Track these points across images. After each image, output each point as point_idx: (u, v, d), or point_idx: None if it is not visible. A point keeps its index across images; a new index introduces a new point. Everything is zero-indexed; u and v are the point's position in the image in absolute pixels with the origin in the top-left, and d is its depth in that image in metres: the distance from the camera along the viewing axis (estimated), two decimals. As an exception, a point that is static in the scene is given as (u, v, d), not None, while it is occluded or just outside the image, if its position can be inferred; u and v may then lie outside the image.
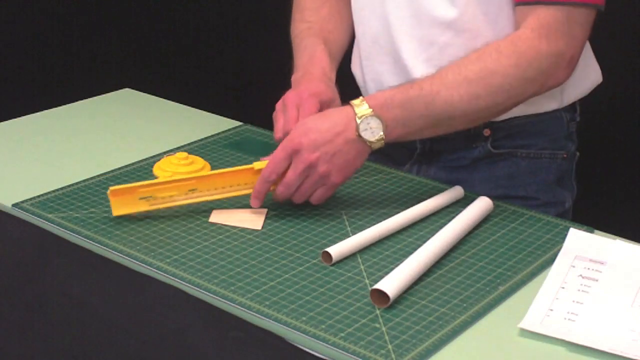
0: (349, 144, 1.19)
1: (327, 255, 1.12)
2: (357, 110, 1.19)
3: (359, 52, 1.46)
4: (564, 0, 1.21)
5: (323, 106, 1.31)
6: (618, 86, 1.34)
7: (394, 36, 1.37)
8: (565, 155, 1.42)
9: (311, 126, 1.20)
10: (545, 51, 1.22)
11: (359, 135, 1.19)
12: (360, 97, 1.21)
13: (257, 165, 1.22)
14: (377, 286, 1.04)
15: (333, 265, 1.13)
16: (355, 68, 1.50)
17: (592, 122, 1.46)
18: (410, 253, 1.11)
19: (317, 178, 1.20)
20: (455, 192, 1.28)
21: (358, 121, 1.19)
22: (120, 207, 1.21)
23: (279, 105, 1.33)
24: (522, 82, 1.23)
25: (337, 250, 1.13)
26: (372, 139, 1.19)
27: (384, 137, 1.20)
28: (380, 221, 1.22)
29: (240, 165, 1.40)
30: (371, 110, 1.19)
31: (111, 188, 1.20)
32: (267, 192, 1.22)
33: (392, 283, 1.04)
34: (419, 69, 1.35)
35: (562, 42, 1.23)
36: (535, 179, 1.40)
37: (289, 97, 1.31)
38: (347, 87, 1.48)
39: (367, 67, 1.43)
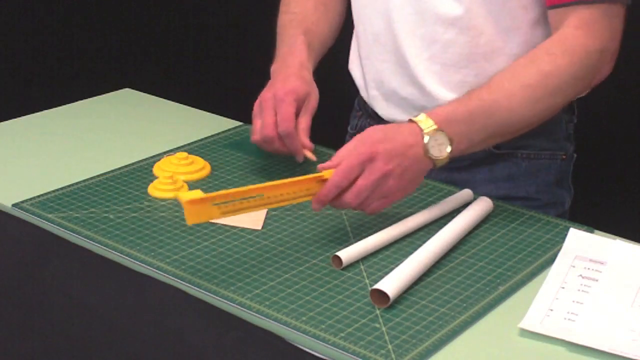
0: (417, 160, 1.16)
1: (337, 260, 1.12)
2: (422, 126, 1.17)
3: (358, 51, 1.46)
4: None
5: (299, 103, 1.32)
6: (617, 85, 1.34)
7: (396, 34, 1.36)
8: (564, 157, 1.42)
9: (385, 135, 1.16)
10: (592, 48, 1.23)
11: (426, 152, 1.16)
12: (422, 114, 1.18)
13: (327, 174, 1.16)
14: (377, 286, 1.04)
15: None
16: (353, 67, 1.49)
17: (592, 123, 1.46)
18: (410, 253, 1.11)
19: (385, 190, 1.15)
20: (464, 196, 1.27)
21: (426, 138, 1.16)
22: (194, 217, 1.11)
23: (256, 107, 1.32)
24: (576, 80, 1.23)
25: (347, 254, 1.12)
26: (439, 156, 1.17)
27: (449, 153, 1.17)
28: (382, 221, 1.22)
29: (242, 165, 1.40)
30: (436, 126, 1.16)
31: (186, 199, 1.08)
32: (333, 198, 1.16)
33: (392, 283, 1.04)
34: (422, 67, 1.35)
35: (606, 38, 1.24)
36: (536, 180, 1.40)
37: (266, 98, 1.31)
38: (344, 87, 1.48)
39: (367, 66, 1.43)
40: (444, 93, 1.34)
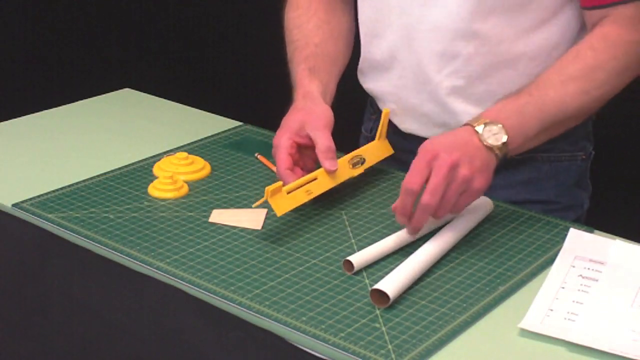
0: (479, 149, 1.15)
1: (349, 264, 1.11)
2: (474, 122, 1.17)
3: (371, 65, 1.42)
4: None
5: (298, 136, 1.29)
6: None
7: (415, 51, 1.34)
8: (583, 156, 1.42)
9: (440, 137, 1.16)
10: (635, 40, 1.25)
11: (484, 144, 1.15)
12: (473, 117, 1.19)
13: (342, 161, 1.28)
14: (377, 286, 1.04)
15: (333, 265, 1.13)
16: (366, 81, 1.46)
17: (594, 122, 1.46)
18: (410, 253, 1.11)
19: (460, 182, 1.12)
20: (486, 207, 1.26)
21: (479, 130, 1.16)
22: (280, 208, 1.19)
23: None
24: (621, 72, 1.25)
25: (358, 259, 1.11)
26: (497, 144, 1.16)
27: (507, 141, 1.17)
28: (383, 221, 1.22)
29: (242, 165, 1.40)
30: (488, 119, 1.17)
31: (270, 190, 1.17)
32: (412, 205, 1.14)
33: (392, 283, 1.04)
34: (445, 83, 1.33)
35: None
36: (556, 182, 1.39)
37: (280, 141, 1.29)
38: (351, 97, 1.47)
39: (384, 80, 1.40)
40: (466, 108, 1.33)
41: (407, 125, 1.40)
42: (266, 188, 1.17)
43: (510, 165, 1.38)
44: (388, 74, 1.39)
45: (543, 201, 1.38)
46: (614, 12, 1.25)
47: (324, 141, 1.27)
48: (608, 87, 1.25)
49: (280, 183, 1.20)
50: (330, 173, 1.27)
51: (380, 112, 1.46)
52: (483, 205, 1.24)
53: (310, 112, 1.31)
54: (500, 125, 1.17)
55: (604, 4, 1.25)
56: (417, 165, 1.13)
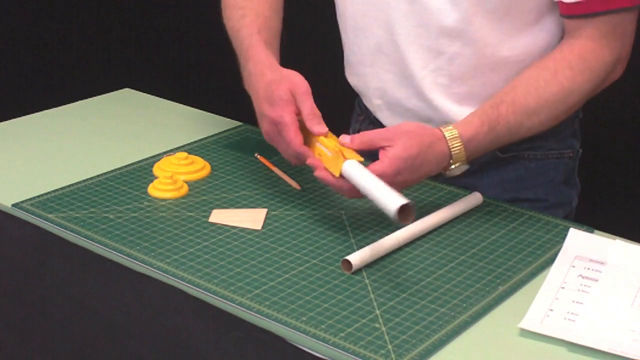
0: (430, 174, 1.21)
1: (347, 264, 1.11)
2: (454, 159, 1.20)
3: (357, 60, 1.42)
4: (616, 7, 1.24)
5: (294, 104, 1.24)
6: (619, 82, 1.35)
7: (400, 46, 1.34)
8: (571, 154, 1.42)
9: (421, 163, 1.17)
10: (608, 59, 1.26)
11: (445, 173, 1.23)
12: (458, 139, 1.20)
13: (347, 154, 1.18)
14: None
15: (333, 265, 1.13)
16: (352, 76, 1.46)
17: (591, 121, 1.46)
18: (410, 252, 1.12)
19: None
20: (473, 199, 1.28)
21: (452, 167, 1.21)
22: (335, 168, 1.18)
23: (267, 139, 1.26)
24: (591, 93, 1.28)
25: (356, 259, 1.12)
26: (451, 175, 1.24)
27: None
28: (382, 221, 1.22)
29: (242, 165, 1.40)
30: (465, 159, 1.21)
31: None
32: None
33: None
34: (428, 80, 1.34)
35: (619, 46, 1.27)
36: (544, 180, 1.40)
37: (268, 131, 1.25)
38: (343, 88, 1.47)
39: (370, 74, 1.41)
40: (450, 105, 1.34)
41: (392, 120, 1.41)
42: (338, 147, 1.17)
43: (497, 164, 1.39)
44: (374, 68, 1.40)
45: (531, 199, 1.39)
46: (591, 24, 1.25)
47: (310, 108, 1.22)
48: (574, 109, 1.30)
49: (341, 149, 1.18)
50: (322, 135, 1.21)
51: (368, 112, 1.47)
52: (470, 197, 1.26)
53: (292, 82, 1.24)
54: (467, 164, 1.23)
55: (581, 14, 1.25)
56: (388, 181, 1.12)
